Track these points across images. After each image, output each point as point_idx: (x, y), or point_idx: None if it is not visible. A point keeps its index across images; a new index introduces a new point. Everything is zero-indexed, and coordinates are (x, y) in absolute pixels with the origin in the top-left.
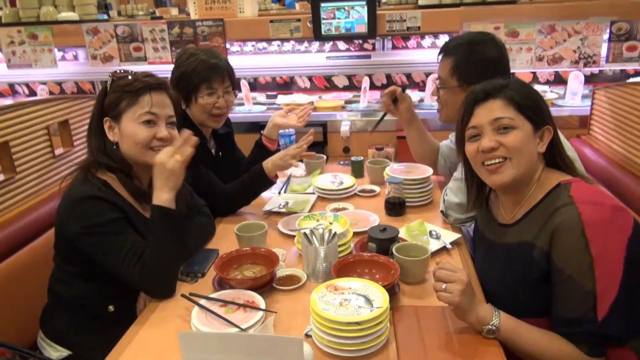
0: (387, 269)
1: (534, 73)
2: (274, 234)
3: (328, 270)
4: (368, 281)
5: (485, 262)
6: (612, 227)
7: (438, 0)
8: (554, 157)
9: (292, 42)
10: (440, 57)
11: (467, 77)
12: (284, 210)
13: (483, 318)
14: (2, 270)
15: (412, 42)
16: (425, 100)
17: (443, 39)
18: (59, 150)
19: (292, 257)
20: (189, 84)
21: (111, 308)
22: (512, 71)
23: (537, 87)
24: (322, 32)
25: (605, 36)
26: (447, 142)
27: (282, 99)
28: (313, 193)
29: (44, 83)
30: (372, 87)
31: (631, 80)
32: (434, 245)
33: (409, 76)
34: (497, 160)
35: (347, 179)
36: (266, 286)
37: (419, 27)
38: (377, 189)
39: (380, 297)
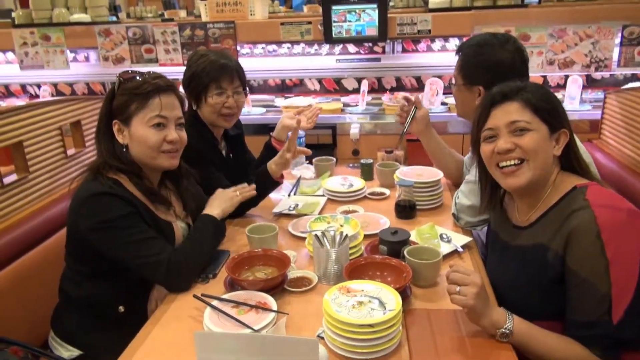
0: (399, 271)
1: (544, 77)
2: (284, 235)
3: (339, 272)
4: (380, 284)
5: (499, 264)
6: (627, 231)
7: (448, 4)
8: (570, 161)
9: (302, 44)
10: (456, 55)
11: (471, 77)
12: (294, 212)
13: (496, 321)
14: (15, 270)
15: (422, 46)
16: (423, 104)
17: (453, 42)
18: (71, 151)
19: (302, 259)
20: (199, 84)
21: (121, 308)
22: None
23: None
24: (333, 35)
25: (617, 40)
26: (470, 155)
27: (279, 101)
28: (323, 195)
29: (55, 85)
30: (381, 89)
31: None
32: (445, 249)
33: (418, 79)
34: (512, 162)
35: (357, 182)
36: (278, 288)
37: (429, 30)
38: (387, 191)
39: (393, 300)
